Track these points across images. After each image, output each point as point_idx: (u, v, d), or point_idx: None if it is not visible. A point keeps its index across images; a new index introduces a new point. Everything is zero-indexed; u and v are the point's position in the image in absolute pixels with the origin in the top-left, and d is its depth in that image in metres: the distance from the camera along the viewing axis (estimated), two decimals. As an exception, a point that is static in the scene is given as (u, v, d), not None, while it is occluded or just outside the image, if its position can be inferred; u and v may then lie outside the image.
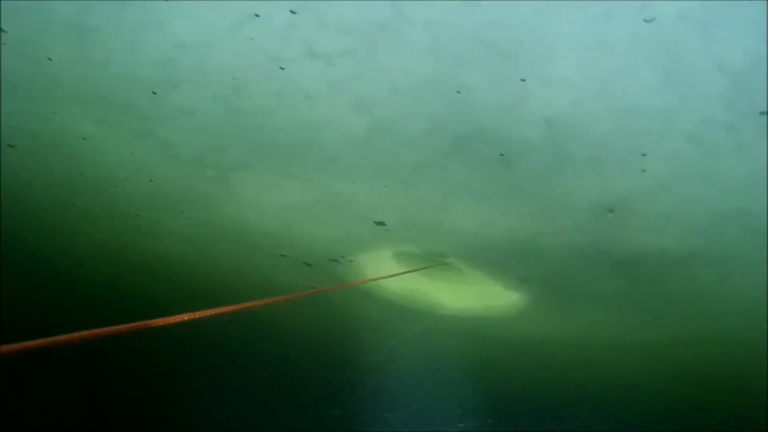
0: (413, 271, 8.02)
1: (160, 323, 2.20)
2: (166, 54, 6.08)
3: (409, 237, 8.58)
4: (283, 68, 5.89)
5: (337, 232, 8.87)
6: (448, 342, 13.26)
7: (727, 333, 10.43)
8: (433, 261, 9.02)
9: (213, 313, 2.59)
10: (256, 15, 5.39)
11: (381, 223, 8.25)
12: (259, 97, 6.37)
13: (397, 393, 18.08)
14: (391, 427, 19.50)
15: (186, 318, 2.41)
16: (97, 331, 1.83)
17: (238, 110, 6.66)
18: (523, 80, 5.36)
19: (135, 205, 10.02)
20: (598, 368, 13.58)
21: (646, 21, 4.66)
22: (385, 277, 6.52)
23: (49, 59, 6.62)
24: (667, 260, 7.93)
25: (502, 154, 6.23)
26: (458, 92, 5.63)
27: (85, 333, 1.77)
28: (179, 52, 6.01)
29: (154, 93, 6.79)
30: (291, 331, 15.55)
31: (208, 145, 7.59)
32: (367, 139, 6.53)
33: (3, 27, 6.20)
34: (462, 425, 18.42)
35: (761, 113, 5.19)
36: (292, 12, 5.25)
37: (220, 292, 13.24)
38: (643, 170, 6.19)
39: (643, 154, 5.91)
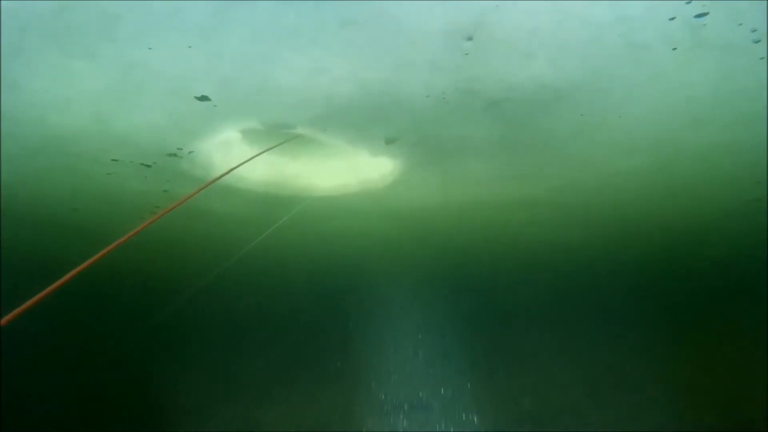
0: (258, 155, 6.71)
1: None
2: None
3: (243, 109, 7.13)
4: None
5: (157, 118, 7.25)
6: (326, 225, 12.26)
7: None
8: (281, 136, 7.68)
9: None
10: None
11: (204, 98, 6.76)
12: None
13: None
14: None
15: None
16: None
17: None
18: None
19: None
20: (490, 228, 13.09)
21: None
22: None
23: None
24: (547, 94, 7.01)
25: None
26: None
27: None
28: None
29: None
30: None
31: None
32: (144, -18, 4.95)
33: None
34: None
35: None
36: None
37: (61, 215, 11.52)
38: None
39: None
